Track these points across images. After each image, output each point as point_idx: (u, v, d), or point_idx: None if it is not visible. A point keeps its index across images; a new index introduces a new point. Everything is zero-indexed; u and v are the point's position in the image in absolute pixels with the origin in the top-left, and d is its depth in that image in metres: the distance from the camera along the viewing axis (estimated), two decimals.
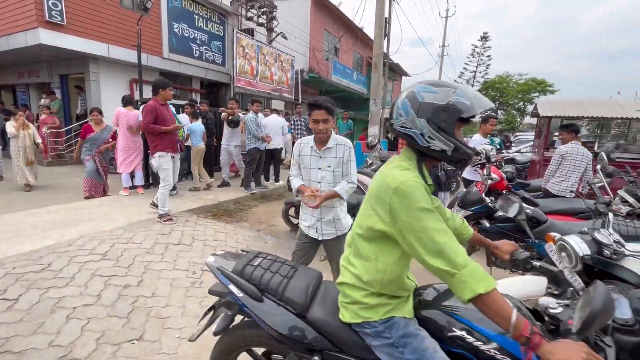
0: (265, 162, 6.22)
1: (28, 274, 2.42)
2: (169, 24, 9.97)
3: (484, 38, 35.08)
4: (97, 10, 8.28)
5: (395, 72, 23.46)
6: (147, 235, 3.35)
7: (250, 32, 11.55)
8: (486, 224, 2.94)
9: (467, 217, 3.06)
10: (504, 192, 3.63)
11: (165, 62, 10.13)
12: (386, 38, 10.22)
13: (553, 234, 2.02)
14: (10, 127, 5.65)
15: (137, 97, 7.98)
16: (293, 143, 8.17)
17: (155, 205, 3.94)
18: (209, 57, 11.32)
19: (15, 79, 10.88)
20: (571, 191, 3.61)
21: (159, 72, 10.53)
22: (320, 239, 2.17)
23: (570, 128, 3.72)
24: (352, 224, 2.00)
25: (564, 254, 1.83)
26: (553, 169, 3.80)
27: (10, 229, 3.34)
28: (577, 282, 1.85)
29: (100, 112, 5.09)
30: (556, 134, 10.34)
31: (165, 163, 3.82)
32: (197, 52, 10.93)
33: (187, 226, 3.77)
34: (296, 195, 2.36)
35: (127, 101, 4.98)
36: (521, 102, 34.56)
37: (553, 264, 1.47)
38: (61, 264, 2.59)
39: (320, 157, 2.08)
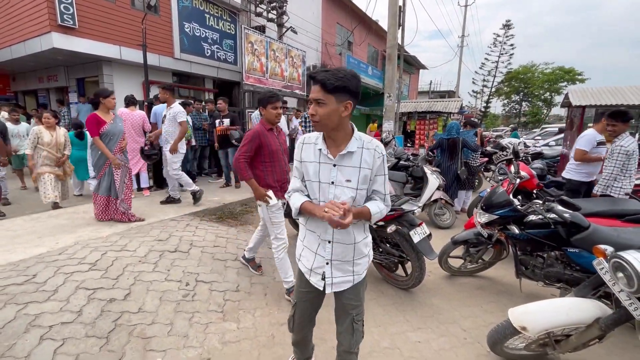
0: None
1: (10, 286, 2.27)
2: (180, 24, 9.92)
3: (507, 26, 33.45)
4: (108, 13, 8.31)
5: (412, 65, 22.76)
6: (143, 241, 3.17)
7: (262, 29, 11.35)
8: (515, 230, 2.55)
9: (492, 222, 2.68)
10: (535, 192, 3.21)
11: (177, 62, 10.11)
12: (401, 28, 9.74)
13: (603, 246, 1.63)
14: (35, 132, 4.30)
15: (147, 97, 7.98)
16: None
17: (247, 260, 3.07)
18: (221, 56, 11.23)
19: (36, 84, 11.20)
20: (626, 193, 3.09)
21: (172, 73, 10.56)
22: (327, 291, 1.42)
23: (626, 116, 3.12)
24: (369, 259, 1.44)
25: (620, 274, 1.45)
26: (617, 170, 3.07)
27: (7, 235, 3.25)
28: (639, 309, 1.48)
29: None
30: (590, 124, 9.56)
31: (274, 213, 2.57)
32: (209, 51, 10.85)
33: (186, 231, 3.57)
34: (297, 219, 1.48)
35: (130, 101, 4.85)
36: (547, 93, 32.75)
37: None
38: (46, 275, 2.43)
39: (334, 165, 1.30)
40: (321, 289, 1.42)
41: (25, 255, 2.76)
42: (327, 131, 1.30)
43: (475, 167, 5.38)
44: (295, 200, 1.39)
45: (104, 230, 3.42)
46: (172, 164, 4.39)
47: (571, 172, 3.70)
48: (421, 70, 27.24)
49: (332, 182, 1.31)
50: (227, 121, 5.61)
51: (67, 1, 7.47)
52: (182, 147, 4.47)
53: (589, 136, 3.58)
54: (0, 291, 2.21)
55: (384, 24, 17.43)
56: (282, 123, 5.95)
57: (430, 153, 5.40)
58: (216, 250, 3.25)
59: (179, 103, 5.83)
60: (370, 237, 1.49)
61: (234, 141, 5.26)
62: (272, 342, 2.16)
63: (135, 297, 2.37)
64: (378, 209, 1.33)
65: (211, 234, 3.61)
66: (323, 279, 1.40)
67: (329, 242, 1.36)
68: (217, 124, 5.75)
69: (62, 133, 4.56)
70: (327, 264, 1.38)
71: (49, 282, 2.37)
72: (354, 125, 1.34)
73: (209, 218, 4.27)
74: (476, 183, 6.38)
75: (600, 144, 3.55)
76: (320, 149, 1.33)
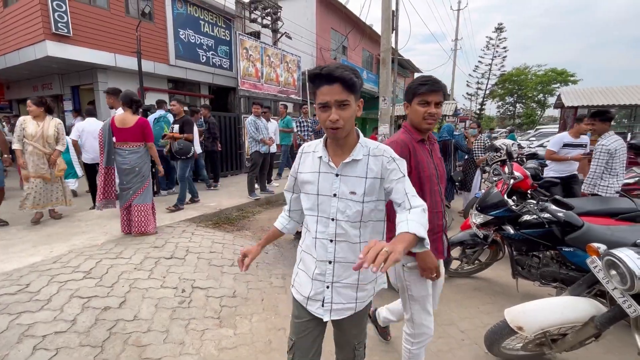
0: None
1: (3, 296, 2.24)
2: (175, 31, 9.96)
3: (499, 29, 33.90)
4: (102, 21, 8.32)
5: (406, 68, 22.94)
6: (139, 248, 3.15)
7: (256, 35, 11.41)
8: (510, 230, 2.56)
9: (487, 223, 2.69)
10: (530, 192, 3.23)
11: (172, 69, 10.13)
12: (394, 32, 9.84)
13: (596, 245, 1.65)
14: (20, 122, 3.69)
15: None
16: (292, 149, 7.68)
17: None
18: (216, 62, 11.27)
19: (31, 93, 11.15)
20: (616, 191, 3.13)
21: (167, 80, 10.57)
22: (325, 318, 1.20)
23: (605, 116, 3.20)
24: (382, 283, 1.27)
25: (613, 271, 1.46)
26: (600, 170, 3.17)
27: (1, 244, 3.21)
28: (633, 307, 1.48)
29: None
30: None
31: (415, 280, 1.54)
32: (204, 57, 10.89)
33: (182, 237, 3.55)
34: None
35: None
36: (541, 95, 33.15)
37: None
38: (40, 285, 2.40)
39: (337, 175, 1.14)
40: (321, 317, 1.21)
41: (19, 265, 2.73)
42: (343, 138, 1.12)
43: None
44: (277, 224, 1.43)
45: (98, 238, 3.40)
46: None
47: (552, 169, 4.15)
48: (416, 74, 27.47)
49: (335, 195, 1.13)
50: (176, 127, 4.74)
51: (61, 9, 7.48)
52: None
53: (557, 138, 4.01)
54: None
55: (377, 28, 17.63)
56: (271, 128, 5.79)
57: None
58: (212, 256, 3.23)
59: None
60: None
61: (174, 152, 4.54)
62: (269, 347, 2.14)
63: (130, 304, 2.34)
64: (419, 222, 0.97)
65: (207, 240, 3.59)
66: (323, 305, 1.20)
67: (330, 262, 1.17)
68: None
69: (53, 124, 3.83)
70: (328, 287, 1.18)
71: (43, 291, 2.34)
72: (359, 130, 1.20)
73: (205, 224, 4.25)
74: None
75: (567, 145, 3.86)
76: (320, 157, 1.16)
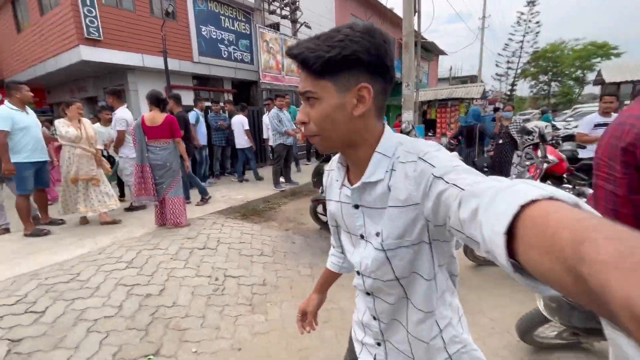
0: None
1: (58, 284, 2.47)
2: (197, 28, 10.18)
3: (531, 2, 31.63)
4: (129, 23, 8.65)
5: (430, 51, 22.08)
6: (174, 240, 3.34)
7: (276, 27, 11.42)
8: None
9: None
10: (566, 176, 3.08)
11: (196, 65, 10.39)
12: (417, 14, 9.48)
13: None
14: (61, 126, 3.60)
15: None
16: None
17: None
18: (238, 56, 11.42)
19: (68, 96, 11.87)
20: None
21: (191, 77, 10.87)
22: None
23: None
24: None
25: None
26: None
27: (52, 238, 3.52)
28: None
29: None
30: (626, 102, 8.93)
31: None
32: (226, 52, 11.06)
33: (213, 229, 3.71)
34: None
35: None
36: (579, 71, 30.79)
37: None
38: (89, 274, 2.62)
39: (356, 207, 0.74)
40: None
41: (69, 256, 2.98)
42: (338, 149, 0.73)
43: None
44: (329, 264, 1.06)
45: (137, 231, 3.63)
46: (124, 170, 4.53)
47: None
48: (441, 56, 26.39)
49: (362, 236, 0.75)
50: None
51: (91, 15, 7.86)
52: (131, 153, 4.21)
53: (587, 119, 3.90)
54: (50, 288, 2.41)
55: (399, 11, 17.02)
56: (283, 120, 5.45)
57: (451, 141, 5.27)
58: (242, 247, 3.37)
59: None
60: (454, 295, 0.78)
61: None
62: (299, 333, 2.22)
63: (169, 292, 2.51)
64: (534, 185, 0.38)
65: (237, 231, 3.73)
66: None
67: (375, 318, 0.82)
68: None
69: (88, 125, 3.84)
70: (380, 344, 0.84)
71: (92, 279, 2.55)
72: (388, 128, 0.71)
73: (233, 216, 4.41)
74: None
75: (599, 125, 3.70)
76: (336, 180, 0.80)
